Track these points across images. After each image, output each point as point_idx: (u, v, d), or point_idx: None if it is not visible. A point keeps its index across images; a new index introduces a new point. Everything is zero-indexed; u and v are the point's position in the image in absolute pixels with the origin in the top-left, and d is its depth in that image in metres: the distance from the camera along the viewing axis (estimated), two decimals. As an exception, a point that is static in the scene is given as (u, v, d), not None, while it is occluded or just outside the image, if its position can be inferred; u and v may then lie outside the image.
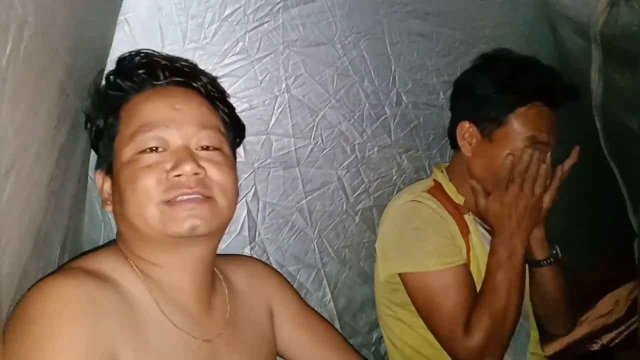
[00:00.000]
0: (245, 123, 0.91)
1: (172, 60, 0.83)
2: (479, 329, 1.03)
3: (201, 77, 0.82)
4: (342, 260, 1.37)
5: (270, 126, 1.25)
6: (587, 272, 1.19)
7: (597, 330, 1.22)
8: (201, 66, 1.12)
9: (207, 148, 0.76)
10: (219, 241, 0.82)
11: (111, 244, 0.80)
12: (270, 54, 1.18)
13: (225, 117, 0.83)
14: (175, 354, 0.72)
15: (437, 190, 1.20)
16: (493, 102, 1.12)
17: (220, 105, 0.83)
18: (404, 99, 1.37)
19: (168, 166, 0.72)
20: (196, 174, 0.72)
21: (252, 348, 0.84)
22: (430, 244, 1.10)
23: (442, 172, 1.24)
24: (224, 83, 1.17)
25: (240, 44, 1.15)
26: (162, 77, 0.78)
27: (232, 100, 1.13)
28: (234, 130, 0.86)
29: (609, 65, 1.39)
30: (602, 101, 1.50)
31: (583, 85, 1.49)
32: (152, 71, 0.79)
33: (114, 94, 0.79)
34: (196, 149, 0.75)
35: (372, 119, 1.34)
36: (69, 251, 0.88)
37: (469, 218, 1.18)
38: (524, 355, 1.22)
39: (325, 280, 1.36)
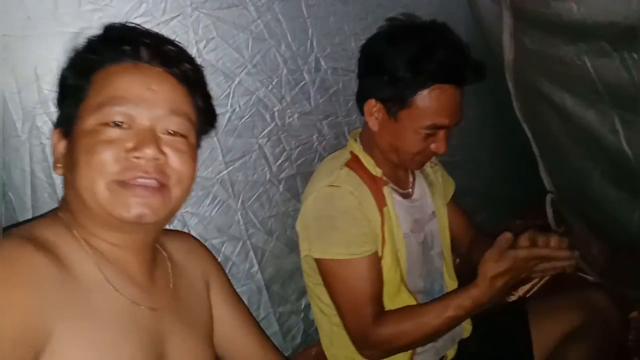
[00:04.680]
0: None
1: (159, 41, 0.82)
2: (393, 326, 1.09)
3: (184, 64, 0.81)
4: (268, 231, 1.35)
5: (182, 93, 1.18)
6: (503, 227, 1.24)
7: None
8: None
9: (173, 133, 0.76)
10: (165, 225, 0.83)
11: (54, 211, 0.78)
12: (178, 16, 1.10)
13: (199, 105, 0.83)
14: (120, 321, 0.71)
15: (355, 164, 1.20)
16: (398, 82, 1.10)
17: (198, 94, 0.82)
18: (323, 64, 1.35)
19: (129, 145, 0.71)
20: (156, 159, 0.72)
21: (195, 319, 0.86)
22: (341, 233, 1.11)
23: (356, 141, 1.25)
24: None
25: (144, 5, 1.06)
26: (144, 57, 0.77)
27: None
28: (206, 119, 0.86)
29: (519, 29, 1.43)
30: (513, 64, 1.55)
31: (496, 49, 1.54)
32: (135, 49, 0.77)
33: (91, 57, 0.77)
34: (162, 133, 0.75)
35: (290, 85, 1.31)
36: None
37: (387, 190, 1.20)
38: None
39: (251, 252, 1.33)
